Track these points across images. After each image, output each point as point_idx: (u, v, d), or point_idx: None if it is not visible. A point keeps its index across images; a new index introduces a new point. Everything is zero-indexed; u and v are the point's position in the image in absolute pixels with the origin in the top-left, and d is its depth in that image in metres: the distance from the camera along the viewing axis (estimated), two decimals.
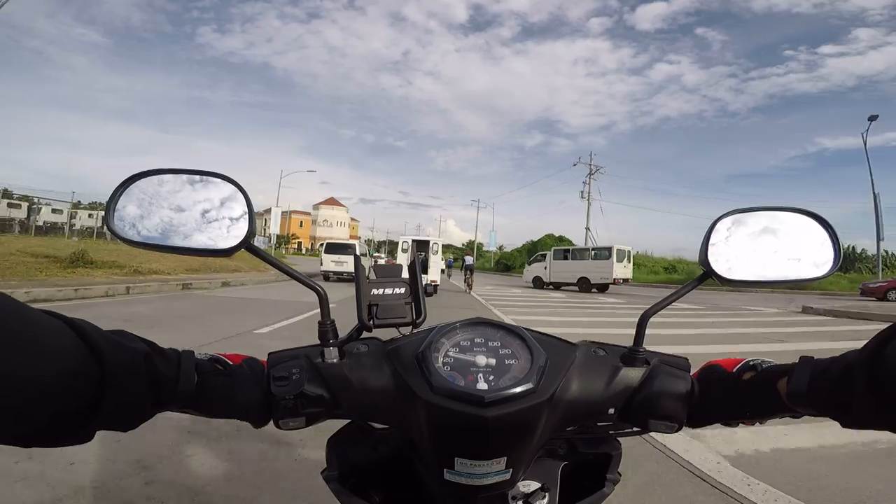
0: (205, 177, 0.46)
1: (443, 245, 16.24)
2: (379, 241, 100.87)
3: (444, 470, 0.41)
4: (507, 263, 24.53)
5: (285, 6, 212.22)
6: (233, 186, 0.46)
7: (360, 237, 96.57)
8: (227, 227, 0.45)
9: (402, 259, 14.52)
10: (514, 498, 0.47)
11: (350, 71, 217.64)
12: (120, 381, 0.32)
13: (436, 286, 13.34)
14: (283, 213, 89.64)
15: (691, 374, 0.47)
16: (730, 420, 0.45)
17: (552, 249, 20.63)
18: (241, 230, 0.45)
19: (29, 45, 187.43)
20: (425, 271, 12.62)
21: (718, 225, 0.49)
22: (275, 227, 32.23)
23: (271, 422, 0.43)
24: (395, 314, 0.52)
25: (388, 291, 0.53)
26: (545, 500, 0.48)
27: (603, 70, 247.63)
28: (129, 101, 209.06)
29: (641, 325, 0.47)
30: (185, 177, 0.46)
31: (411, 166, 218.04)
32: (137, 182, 0.44)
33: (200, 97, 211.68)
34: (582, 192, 34.85)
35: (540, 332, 0.48)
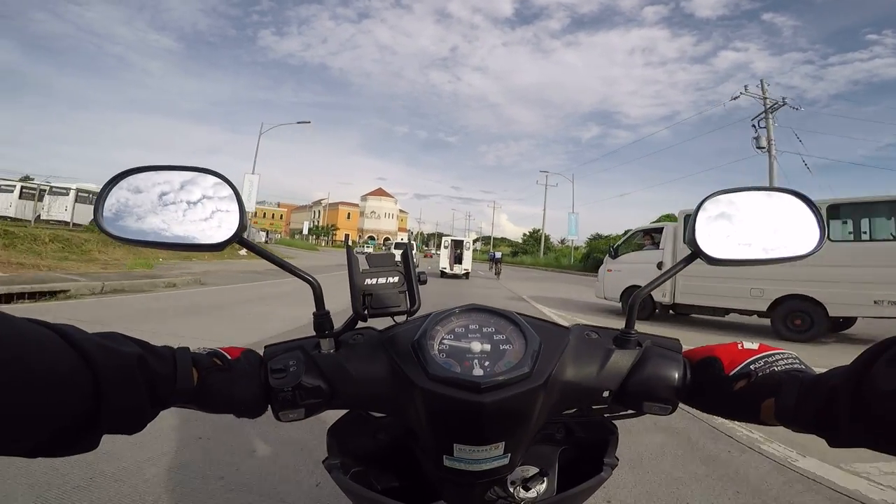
0: (194, 172, 0.45)
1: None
2: (428, 234, 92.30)
3: (444, 456, 0.42)
4: (600, 257, 11.22)
5: (337, 7, 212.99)
6: (222, 181, 0.46)
7: (409, 230, 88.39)
8: (218, 222, 0.45)
9: (444, 254, 18.00)
10: (513, 483, 0.47)
11: (401, 69, 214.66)
12: (114, 385, 0.31)
13: (467, 273, 17.91)
14: (329, 204, 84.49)
15: (685, 352, 0.47)
16: (717, 416, 0.44)
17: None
18: (232, 224, 0.45)
19: (111, 52, 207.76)
20: (460, 262, 17.74)
21: (705, 205, 0.48)
22: (250, 202, 23.09)
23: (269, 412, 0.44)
24: (389, 303, 0.49)
25: (381, 281, 0.50)
26: (544, 485, 0.47)
27: (662, 59, 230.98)
28: (201, 103, 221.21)
29: (632, 307, 0.47)
30: (175, 173, 0.45)
31: (463, 161, 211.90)
32: (127, 178, 0.44)
33: (265, 99, 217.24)
34: (756, 138, 20.12)
35: (533, 317, 0.48)
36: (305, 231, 58.78)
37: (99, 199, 0.42)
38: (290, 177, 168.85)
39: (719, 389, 0.42)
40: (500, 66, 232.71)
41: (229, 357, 0.43)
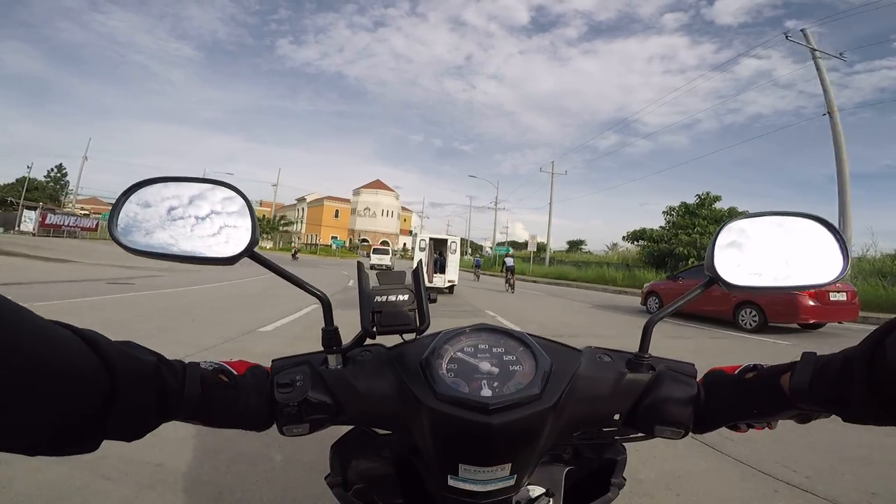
0: (208, 184, 0.45)
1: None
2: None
3: (449, 476, 0.41)
4: None
5: (353, 16, 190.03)
6: (235, 194, 0.46)
7: (413, 232, 73.16)
8: (229, 235, 0.45)
9: (420, 259, 10.11)
10: (518, 503, 0.46)
11: (416, 77, 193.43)
12: (129, 392, 0.32)
13: (452, 286, 12.37)
14: (312, 200, 68.59)
15: (697, 380, 0.46)
16: (736, 422, 0.44)
17: None
18: (243, 238, 0.44)
19: (134, 60, 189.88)
20: (443, 271, 12.35)
21: (725, 230, 0.48)
22: None
23: (274, 427, 0.43)
24: (398, 321, 0.49)
25: (392, 298, 0.50)
26: None
27: (682, 67, 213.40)
28: (221, 112, 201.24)
29: (647, 332, 0.47)
30: (188, 185, 0.45)
31: (478, 170, 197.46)
32: (140, 191, 0.44)
33: (282, 107, 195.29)
34: None
35: (544, 339, 0.48)
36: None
37: (113, 210, 0.42)
38: (306, 183, 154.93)
39: (732, 387, 0.42)
40: (516, 74, 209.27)
41: (235, 373, 0.43)
